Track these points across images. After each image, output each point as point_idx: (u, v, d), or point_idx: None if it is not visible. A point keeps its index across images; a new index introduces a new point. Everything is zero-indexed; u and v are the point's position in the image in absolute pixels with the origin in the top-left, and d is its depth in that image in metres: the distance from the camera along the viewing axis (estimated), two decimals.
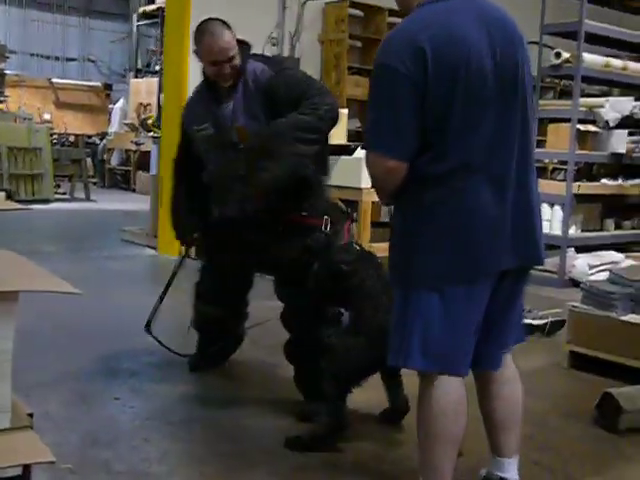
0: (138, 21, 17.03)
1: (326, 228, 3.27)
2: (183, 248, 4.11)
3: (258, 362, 4.20)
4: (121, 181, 15.80)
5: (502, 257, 2.35)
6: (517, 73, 2.35)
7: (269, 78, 3.42)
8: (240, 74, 3.45)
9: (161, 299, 4.11)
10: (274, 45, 8.16)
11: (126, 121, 15.87)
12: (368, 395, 3.24)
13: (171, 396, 3.67)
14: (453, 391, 2.37)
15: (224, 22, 3.52)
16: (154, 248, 7.73)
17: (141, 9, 16.60)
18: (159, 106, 13.78)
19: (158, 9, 14.68)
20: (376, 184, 2.43)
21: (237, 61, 3.45)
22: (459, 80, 2.24)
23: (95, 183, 15.47)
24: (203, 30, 3.50)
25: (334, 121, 3.34)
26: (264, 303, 3.95)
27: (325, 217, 3.28)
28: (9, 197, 2.00)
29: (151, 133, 12.95)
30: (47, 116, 17.68)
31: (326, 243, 3.26)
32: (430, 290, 2.32)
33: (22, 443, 2.00)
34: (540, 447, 3.17)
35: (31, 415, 2.12)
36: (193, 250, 4.19)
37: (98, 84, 19.80)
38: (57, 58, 21.32)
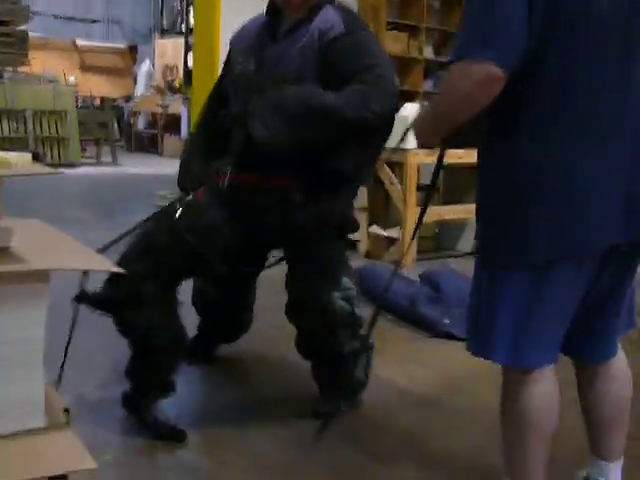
0: None
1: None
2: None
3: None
4: (148, 144, 15.57)
5: (612, 229, 1.91)
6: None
7: (333, 38, 2.71)
8: (312, 12, 2.78)
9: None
10: None
11: (152, 83, 15.59)
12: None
13: (213, 379, 3.40)
14: (547, 383, 2.04)
15: None
16: None
17: None
18: (186, 67, 13.48)
19: None
20: (452, 105, 1.90)
21: None
22: None
23: (122, 147, 15.25)
24: None
25: (377, 121, 2.63)
26: None
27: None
28: (36, 159, 1.71)
29: (177, 95, 12.66)
30: (72, 79, 17.41)
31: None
32: (523, 270, 1.94)
33: (59, 446, 1.73)
34: None
35: (67, 410, 1.84)
36: None
37: (123, 46, 19.48)
38: (81, 20, 20.96)
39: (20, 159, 1.70)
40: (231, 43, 3.02)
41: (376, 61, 2.68)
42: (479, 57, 1.78)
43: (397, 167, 5.51)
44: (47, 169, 1.72)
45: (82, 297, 2.68)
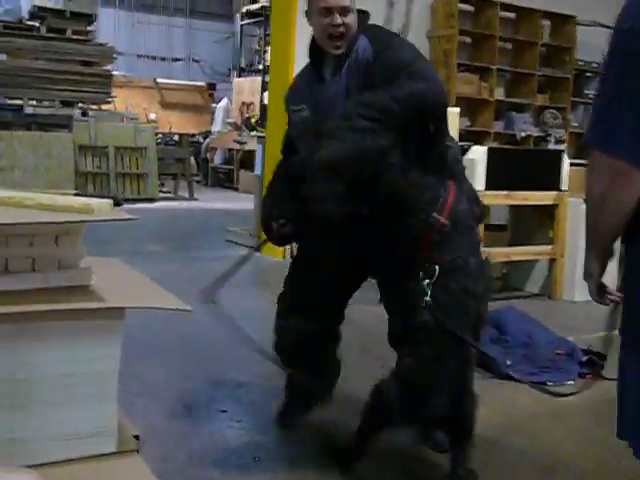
0: (241, 20, 17.11)
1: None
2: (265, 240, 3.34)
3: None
4: (224, 180, 15.91)
5: None
6: None
7: (368, 60, 2.85)
8: (352, 40, 2.89)
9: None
10: None
11: (229, 120, 15.96)
12: None
13: None
14: None
15: None
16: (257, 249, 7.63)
17: (244, 8, 16.67)
18: (262, 105, 13.80)
19: (262, 8, 14.71)
20: (598, 206, 1.76)
21: (352, 20, 2.89)
22: None
23: (199, 182, 15.62)
24: None
25: (418, 106, 2.67)
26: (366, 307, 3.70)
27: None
28: (117, 204, 1.86)
29: (254, 132, 12.95)
30: (152, 116, 17.97)
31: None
32: None
33: (128, 471, 1.86)
34: None
35: (137, 437, 1.97)
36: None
37: (202, 84, 20.03)
38: (163, 59, 21.65)
39: (102, 205, 1.85)
40: (286, 99, 3.13)
41: (407, 66, 2.75)
42: (621, 154, 1.66)
43: None
44: (126, 215, 1.87)
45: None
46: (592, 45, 9.71)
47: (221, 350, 4.31)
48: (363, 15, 3.00)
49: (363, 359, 4.24)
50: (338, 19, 2.87)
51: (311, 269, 3.10)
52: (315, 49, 3.01)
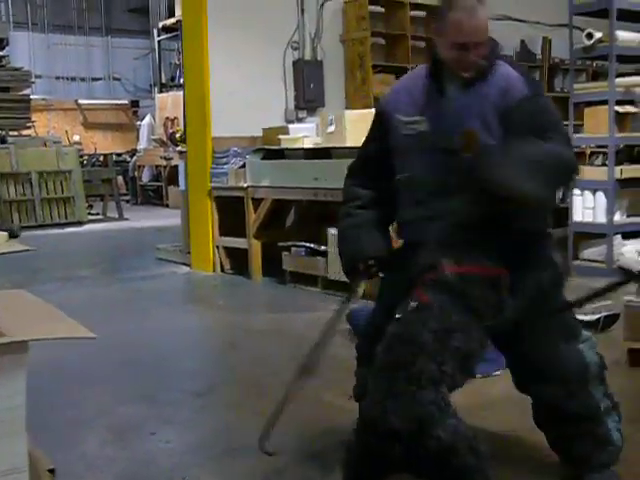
0: (159, 35, 16.99)
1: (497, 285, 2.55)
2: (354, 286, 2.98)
3: None
4: (154, 197, 15.79)
5: None
6: None
7: (523, 98, 2.69)
8: (484, 69, 2.71)
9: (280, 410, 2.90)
10: (295, 49, 7.99)
11: (154, 137, 15.85)
12: None
13: (212, 426, 3.50)
14: None
15: None
16: (188, 265, 7.61)
17: (161, 23, 16.55)
18: (185, 119, 13.72)
19: (177, 22, 14.60)
20: None
21: (484, 51, 2.72)
22: None
23: (128, 201, 15.47)
24: (454, 2, 2.70)
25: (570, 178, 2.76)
26: (297, 315, 3.74)
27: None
28: (13, 236, 1.85)
29: (179, 147, 12.88)
30: (76, 137, 17.73)
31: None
32: None
33: None
34: None
35: (52, 471, 1.96)
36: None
37: (125, 102, 19.85)
38: (83, 79, 21.39)
39: None
40: (385, 108, 2.84)
41: (560, 122, 2.79)
42: None
43: None
44: (21, 246, 1.85)
45: None
46: (502, 38, 9.89)
47: (153, 367, 4.30)
48: (494, 43, 2.79)
49: (294, 364, 4.24)
50: (471, 56, 2.66)
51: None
52: (438, 62, 2.75)
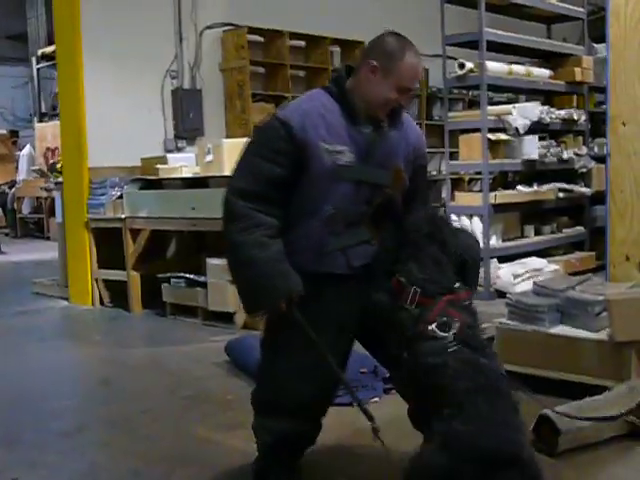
0: (38, 64, 16.53)
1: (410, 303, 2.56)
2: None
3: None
4: (34, 229, 15.29)
5: None
6: None
7: (419, 135, 2.99)
8: (395, 115, 2.85)
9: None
10: (174, 78, 7.92)
11: (34, 167, 15.37)
12: None
13: (78, 469, 3.34)
14: None
15: None
16: (66, 299, 7.37)
17: (40, 51, 16.13)
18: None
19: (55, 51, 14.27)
20: None
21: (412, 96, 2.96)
22: None
23: (7, 234, 14.94)
24: (405, 46, 2.73)
25: None
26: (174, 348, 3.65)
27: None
28: None
29: (54, 179, 12.54)
30: None
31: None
32: None
33: None
34: None
35: None
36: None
37: (3, 131, 19.20)
38: None
39: None
40: (303, 134, 2.66)
41: None
42: None
43: None
44: None
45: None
46: None
47: (20, 407, 4.12)
48: None
49: (169, 399, 4.16)
50: (404, 100, 2.80)
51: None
52: (349, 94, 2.77)
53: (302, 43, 9.31)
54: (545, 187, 7.47)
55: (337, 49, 9.78)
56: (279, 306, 2.61)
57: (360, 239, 2.75)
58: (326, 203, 2.70)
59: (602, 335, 3.91)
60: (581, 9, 8.16)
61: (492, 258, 6.79)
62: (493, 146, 6.94)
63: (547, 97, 8.09)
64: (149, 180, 6.74)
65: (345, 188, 2.70)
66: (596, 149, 8.11)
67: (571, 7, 8.05)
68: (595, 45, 8.29)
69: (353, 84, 2.77)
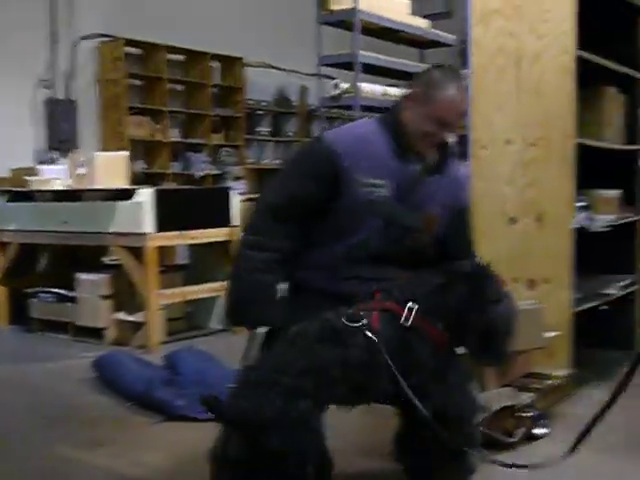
0: None
1: None
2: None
3: None
4: None
5: None
6: None
7: (465, 209, 2.88)
8: (443, 155, 2.75)
9: None
10: (47, 88, 7.75)
11: None
12: None
13: None
14: None
15: None
16: None
17: None
18: None
19: None
20: None
21: (456, 134, 2.75)
22: None
23: None
24: (448, 78, 2.65)
25: None
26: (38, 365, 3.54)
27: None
28: None
29: None
30: None
31: None
32: None
33: None
34: None
35: None
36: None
37: None
38: None
39: None
40: (342, 162, 2.60)
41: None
42: None
43: (137, 251, 5.53)
44: None
45: (213, 404, 2.31)
46: (261, 85, 10.20)
47: None
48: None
49: (31, 417, 4.05)
50: (444, 135, 2.65)
51: None
52: (400, 127, 2.68)
53: (181, 57, 9.28)
54: None
55: (217, 64, 9.81)
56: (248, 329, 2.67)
57: (382, 276, 2.63)
58: (354, 234, 2.65)
59: None
60: (452, 36, 8.46)
61: None
62: None
63: None
64: (20, 192, 6.55)
65: (375, 222, 2.65)
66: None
67: (442, 33, 8.33)
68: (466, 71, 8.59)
69: (403, 115, 2.70)
